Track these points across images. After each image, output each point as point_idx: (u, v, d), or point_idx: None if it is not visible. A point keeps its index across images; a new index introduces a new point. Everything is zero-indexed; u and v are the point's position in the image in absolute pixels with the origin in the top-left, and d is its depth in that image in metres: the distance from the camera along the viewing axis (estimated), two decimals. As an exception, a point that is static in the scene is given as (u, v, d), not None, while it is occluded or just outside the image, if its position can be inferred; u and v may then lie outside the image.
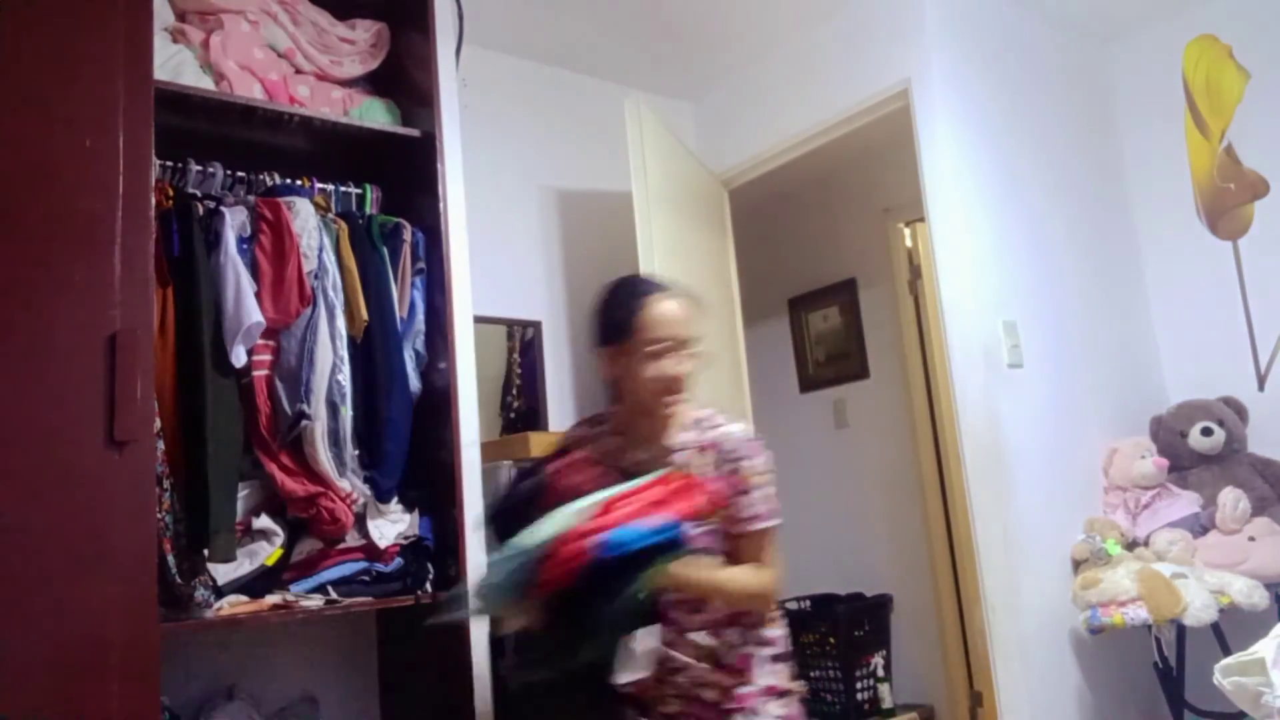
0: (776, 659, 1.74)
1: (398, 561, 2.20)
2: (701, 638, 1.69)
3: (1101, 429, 3.07)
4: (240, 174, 2.20)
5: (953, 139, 2.87)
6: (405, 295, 2.31)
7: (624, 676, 1.60)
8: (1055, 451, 2.90)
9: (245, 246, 2.07)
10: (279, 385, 2.06)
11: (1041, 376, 2.90)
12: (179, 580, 1.88)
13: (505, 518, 1.62)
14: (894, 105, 3.01)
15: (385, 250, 2.27)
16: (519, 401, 3.18)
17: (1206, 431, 2.96)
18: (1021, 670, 2.62)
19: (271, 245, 2.08)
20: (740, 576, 1.69)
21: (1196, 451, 2.98)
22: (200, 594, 1.92)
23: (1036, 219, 3.07)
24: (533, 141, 3.32)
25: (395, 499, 2.22)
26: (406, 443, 2.23)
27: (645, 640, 1.60)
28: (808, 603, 3.97)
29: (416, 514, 2.27)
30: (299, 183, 2.25)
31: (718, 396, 3.12)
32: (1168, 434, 3.05)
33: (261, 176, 2.23)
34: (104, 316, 1.66)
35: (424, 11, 2.41)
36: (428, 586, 2.22)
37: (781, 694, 1.71)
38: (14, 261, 1.61)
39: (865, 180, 4.20)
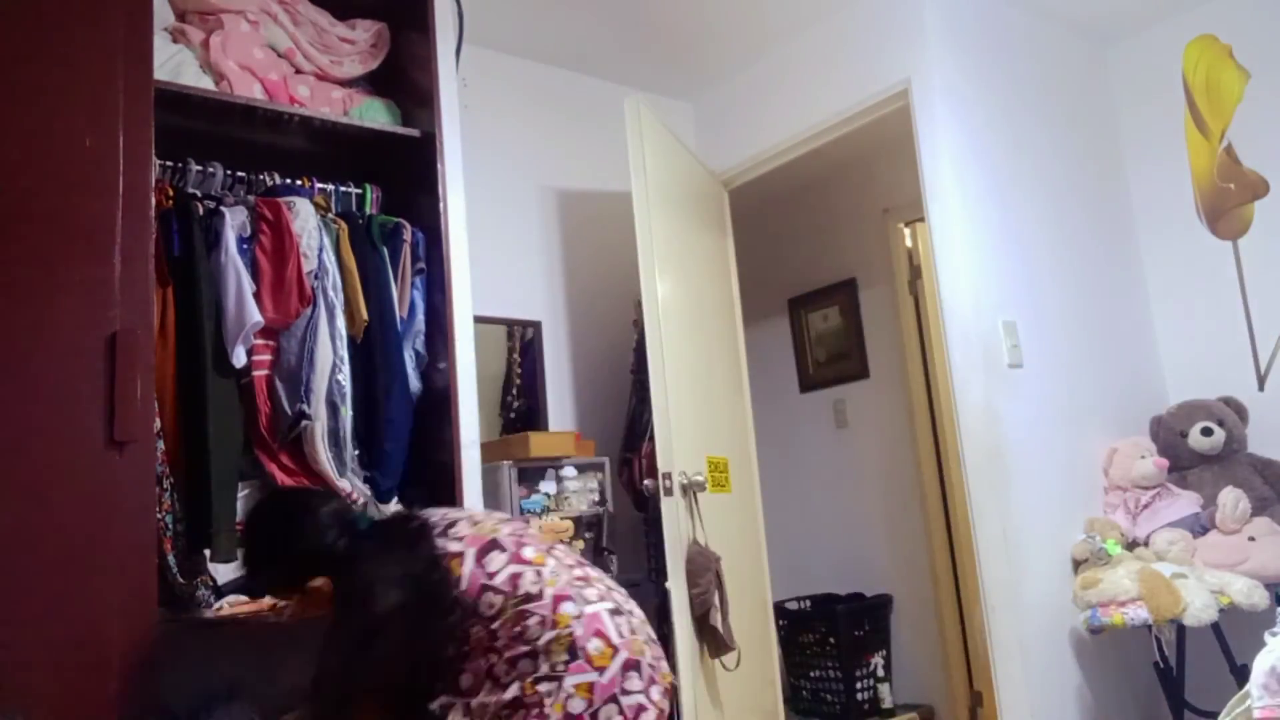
0: None
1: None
2: None
3: (1101, 429, 3.07)
4: (240, 174, 2.20)
5: (953, 139, 2.86)
6: (405, 295, 2.31)
7: None
8: (1055, 451, 2.90)
9: (245, 246, 2.07)
10: (279, 385, 2.07)
11: (1041, 376, 2.90)
12: (179, 580, 1.88)
13: None
14: (894, 105, 3.01)
15: (385, 250, 2.27)
16: (519, 401, 3.18)
17: (1206, 431, 2.96)
18: (1021, 670, 2.62)
19: (271, 245, 2.08)
20: None
21: (1196, 451, 2.97)
22: (200, 594, 1.92)
23: (1036, 219, 3.07)
24: (533, 141, 3.32)
25: (395, 499, 2.22)
26: (406, 443, 2.23)
27: None
28: (808, 603, 3.97)
29: (416, 514, 2.27)
30: (299, 183, 2.25)
31: (718, 397, 3.13)
32: (1168, 434, 3.05)
33: (261, 176, 2.23)
34: (104, 316, 1.66)
35: (424, 11, 2.41)
36: (428, 586, 2.22)
37: None
38: (14, 261, 1.61)
39: (865, 180, 4.20)
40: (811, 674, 3.79)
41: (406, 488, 2.25)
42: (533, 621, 1.53)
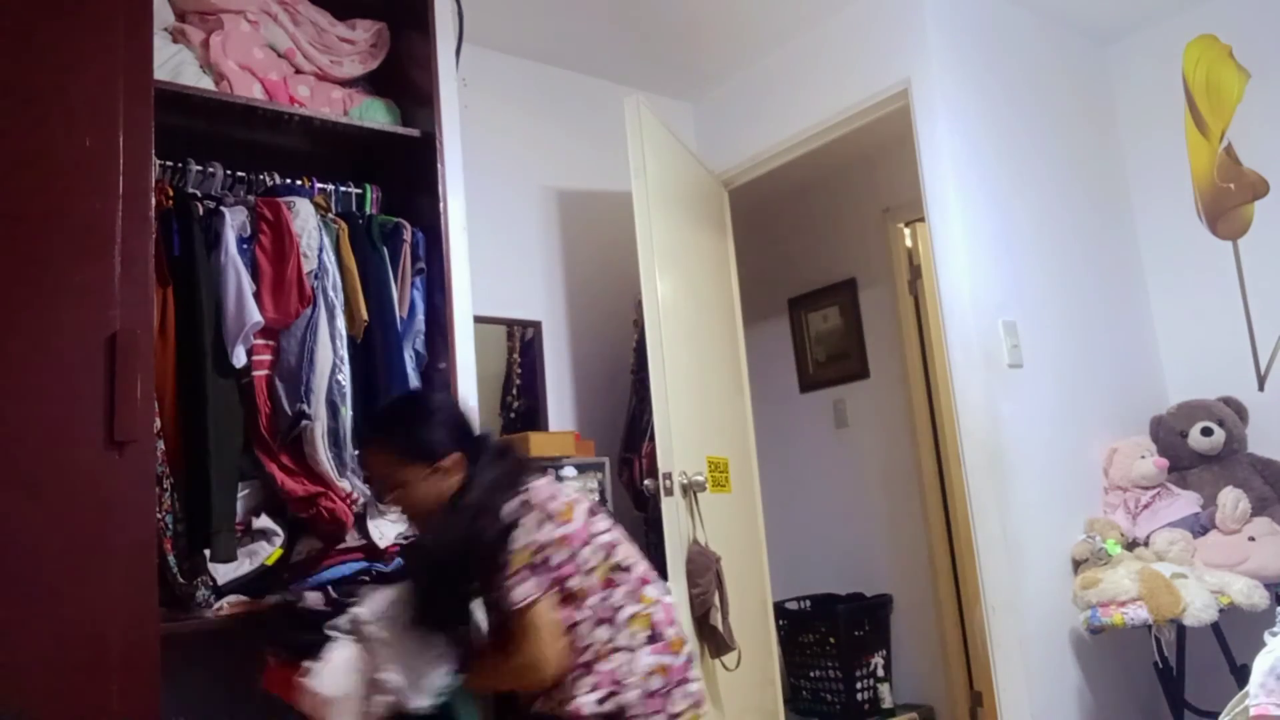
0: None
1: (398, 561, 2.20)
2: None
3: (1101, 429, 3.07)
4: (240, 174, 2.20)
5: (953, 139, 2.86)
6: (405, 295, 2.31)
7: None
8: (1055, 451, 2.90)
9: (245, 246, 2.07)
10: (279, 385, 2.06)
11: (1041, 376, 2.90)
12: (179, 580, 1.88)
13: None
14: (894, 105, 3.01)
15: (385, 250, 2.27)
16: (519, 401, 3.19)
17: (1206, 431, 2.96)
18: (1021, 670, 2.63)
19: (271, 245, 2.08)
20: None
21: (1196, 451, 2.98)
22: (200, 594, 1.92)
23: (1037, 219, 3.07)
24: (533, 141, 3.32)
25: (395, 499, 2.21)
26: (407, 442, 2.22)
27: None
28: (808, 603, 3.97)
29: (416, 514, 2.27)
30: (299, 183, 2.25)
31: (718, 397, 3.13)
32: (1168, 434, 3.05)
33: (261, 176, 2.23)
34: (104, 316, 1.66)
35: (424, 11, 2.41)
36: (428, 586, 2.22)
37: None
38: (14, 261, 1.61)
39: (865, 180, 4.20)
40: (811, 674, 3.79)
41: (406, 488, 2.24)
42: (619, 592, 1.65)
